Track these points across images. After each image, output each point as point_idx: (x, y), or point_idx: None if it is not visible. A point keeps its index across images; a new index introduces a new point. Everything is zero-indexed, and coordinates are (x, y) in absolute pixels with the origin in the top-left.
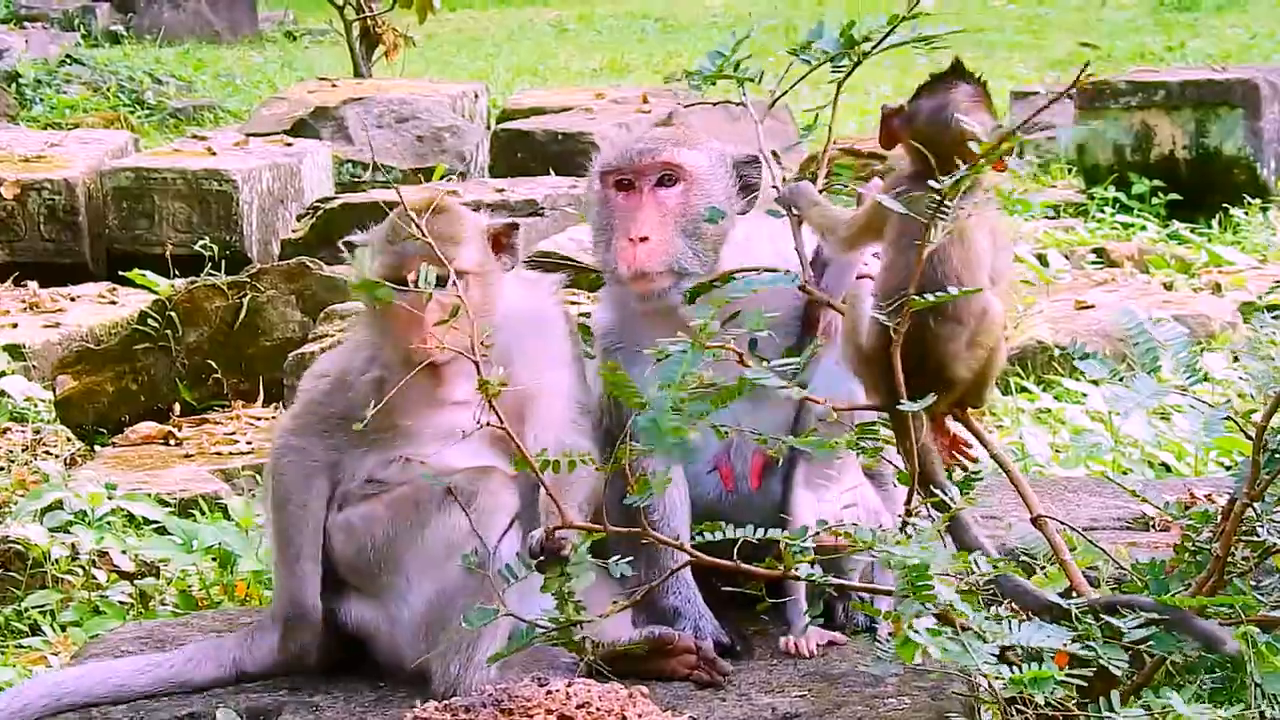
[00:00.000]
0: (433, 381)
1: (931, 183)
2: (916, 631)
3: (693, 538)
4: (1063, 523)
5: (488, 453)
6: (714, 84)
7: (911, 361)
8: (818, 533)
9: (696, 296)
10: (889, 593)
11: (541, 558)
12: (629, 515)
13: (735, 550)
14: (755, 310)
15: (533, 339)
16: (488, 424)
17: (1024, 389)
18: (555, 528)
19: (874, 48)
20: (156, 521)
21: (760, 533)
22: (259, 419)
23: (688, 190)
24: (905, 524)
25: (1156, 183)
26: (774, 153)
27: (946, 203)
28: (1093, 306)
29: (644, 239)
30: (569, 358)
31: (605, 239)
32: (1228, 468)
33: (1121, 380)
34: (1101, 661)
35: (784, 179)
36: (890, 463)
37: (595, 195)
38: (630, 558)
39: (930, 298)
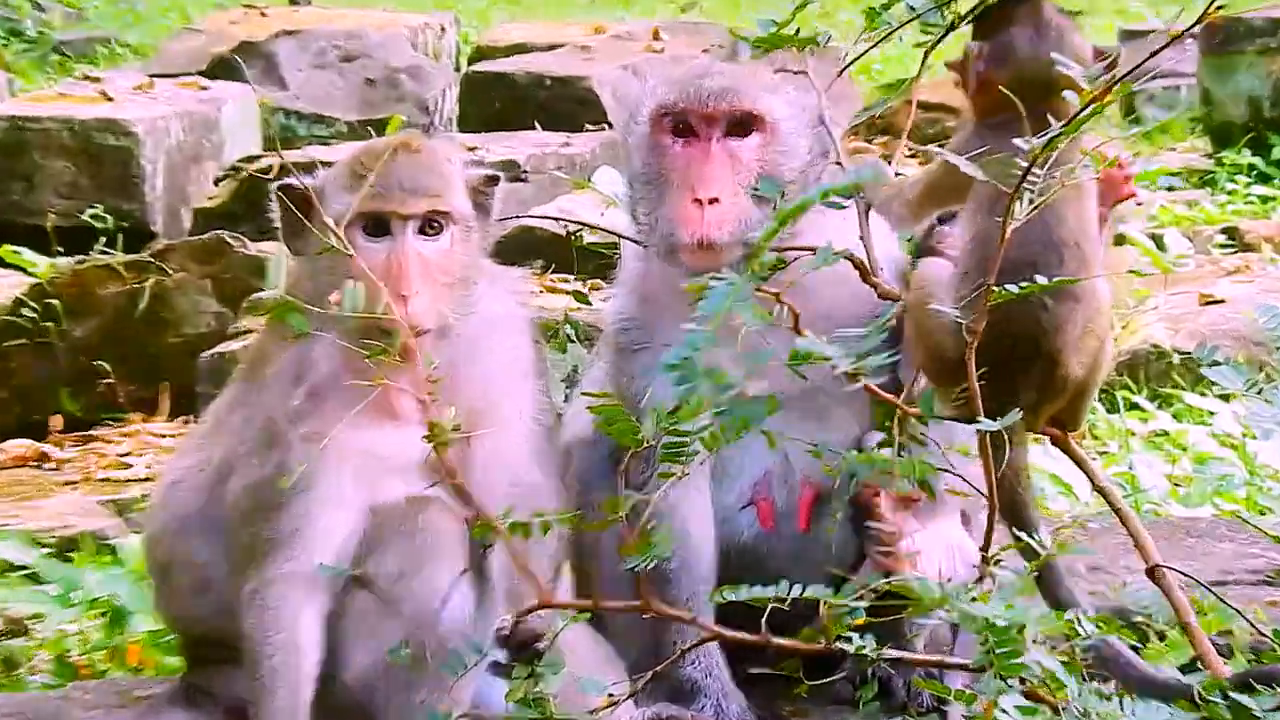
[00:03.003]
0: (394, 365)
1: (1019, 142)
2: (1005, 712)
3: (712, 597)
4: (1186, 575)
5: (424, 479)
6: (767, 53)
7: (1018, 356)
8: (870, 588)
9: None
10: (964, 666)
11: (510, 649)
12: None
13: (767, 614)
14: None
15: (491, 346)
16: (440, 482)
17: (1135, 406)
18: (528, 610)
19: (973, 9)
20: (26, 566)
21: (797, 591)
22: (162, 436)
23: (765, 144)
24: (984, 574)
25: None
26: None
27: (1038, 156)
28: (1222, 301)
29: (714, 201)
30: (532, 370)
31: (655, 197)
32: None
33: (1260, 393)
34: None
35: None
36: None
37: (641, 141)
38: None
39: (1041, 280)
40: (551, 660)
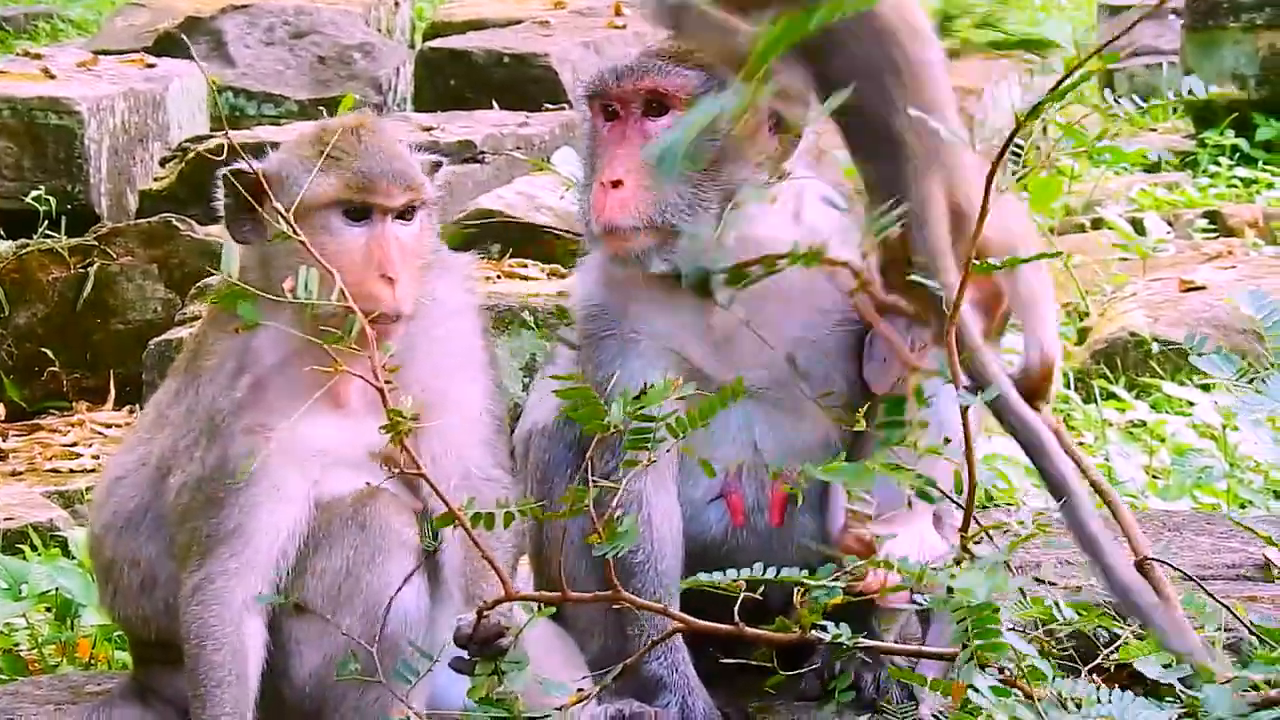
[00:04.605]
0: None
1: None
2: (977, 690)
3: (683, 583)
4: (1176, 568)
5: (373, 471)
6: None
7: None
8: (848, 571)
9: (738, 281)
10: (940, 655)
11: (473, 647)
12: (596, 559)
13: (738, 604)
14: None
15: (442, 335)
16: (398, 472)
17: (1112, 395)
18: (490, 604)
19: None
20: None
21: (771, 573)
22: (109, 426)
23: None
24: (962, 556)
25: None
26: None
27: None
28: (1204, 288)
29: (617, 183)
30: (483, 360)
31: (587, 182)
32: None
33: (1251, 382)
34: None
35: None
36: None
37: (585, 126)
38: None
39: None
40: (516, 657)
